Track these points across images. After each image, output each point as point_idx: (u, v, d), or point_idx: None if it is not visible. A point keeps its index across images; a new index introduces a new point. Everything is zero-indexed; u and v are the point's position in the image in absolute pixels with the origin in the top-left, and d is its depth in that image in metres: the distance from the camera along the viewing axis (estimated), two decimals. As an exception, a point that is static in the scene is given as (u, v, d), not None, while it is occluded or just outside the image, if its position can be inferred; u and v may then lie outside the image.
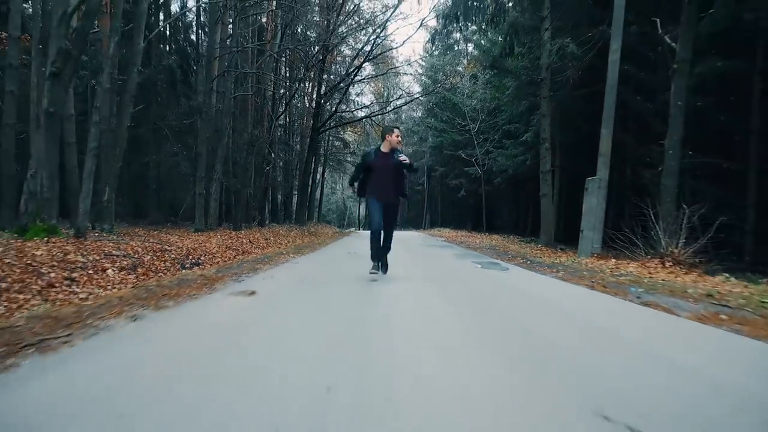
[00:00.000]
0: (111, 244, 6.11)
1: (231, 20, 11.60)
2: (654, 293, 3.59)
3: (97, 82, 7.62)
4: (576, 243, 7.28)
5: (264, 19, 14.62)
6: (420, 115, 32.50)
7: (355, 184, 4.35)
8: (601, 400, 1.36)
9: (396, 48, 18.73)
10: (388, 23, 18.42)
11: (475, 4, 12.23)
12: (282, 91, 16.85)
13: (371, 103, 22.66)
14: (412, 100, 21.38)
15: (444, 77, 22.72)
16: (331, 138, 25.42)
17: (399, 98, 23.65)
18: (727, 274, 5.01)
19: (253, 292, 3.17)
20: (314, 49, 14.48)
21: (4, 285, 3.66)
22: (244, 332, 2.16)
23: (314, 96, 18.16)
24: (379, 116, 19.81)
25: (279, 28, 13.68)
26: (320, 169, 27.95)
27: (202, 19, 15.02)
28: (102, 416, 1.20)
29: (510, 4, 11.24)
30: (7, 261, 4.15)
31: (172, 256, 6.61)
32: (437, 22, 19.77)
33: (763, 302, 2.97)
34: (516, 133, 17.50)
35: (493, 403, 1.33)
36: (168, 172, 14.48)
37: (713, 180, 8.88)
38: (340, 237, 15.45)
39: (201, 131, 10.93)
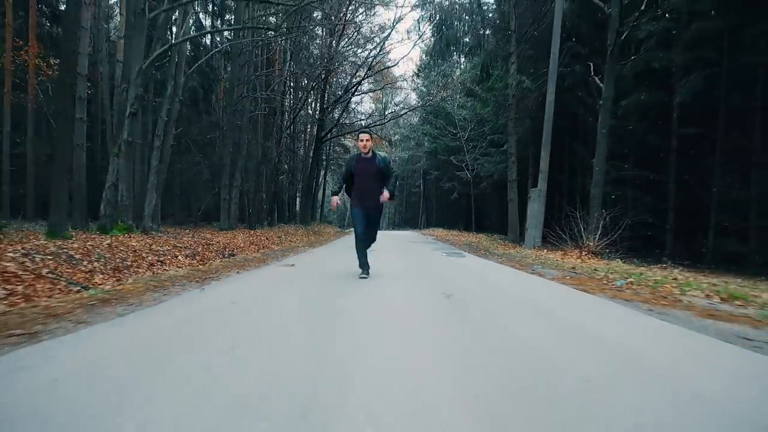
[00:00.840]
0: (172, 239, 8.14)
1: (248, 50, 13.61)
2: (545, 268, 5.62)
3: (159, 116, 9.60)
4: (553, 240, 9.28)
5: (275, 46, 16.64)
6: (416, 121, 34.55)
7: (340, 192, 4.29)
8: (459, 297, 3.39)
9: (393, 66, 20.65)
10: (387, 40, 20.41)
11: (457, 37, 14.22)
12: (288, 102, 18.87)
13: (371, 114, 24.63)
14: (406, 112, 23.34)
15: (437, 90, 24.71)
16: (332, 144, 27.42)
17: (396, 107, 25.70)
18: (619, 259, 7.04)
19: (292, 265, 5.21)
20: (318, 70, 16.50)
21: (127, 263, 5.67)
22: (295, 280, 4.18)
23: (318, 108, 20.17)
24: (378, 126, 21.84)
25: (289, 55, 15.73)
26: (322, 173, 29.90)
27: (218, 43, 17.02)
28: (209, 324, 3.22)
29: (489, 32, 13.25)
30: (122, 249, 6.18)
31: (214, 248, 8.63)
32: (422, 58, 21.72)
33: (596, 270, 5.01)
34: (499, 143, 19.54)
35: (413, 300, 3.35)
36: (191, 179, 16.51)
37: (647, 189, 10.92)
38: (341, 236, 17.48)
39: (224, 146, 12.97)
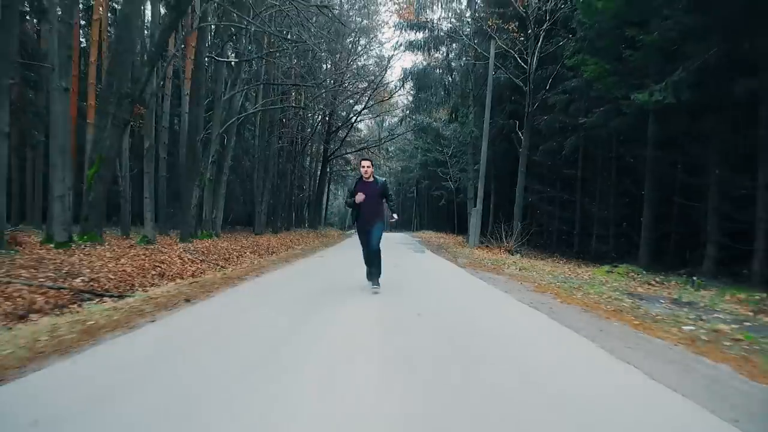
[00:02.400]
0: (236, 242, 12.36)
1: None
2: (466, 258, 9.86)
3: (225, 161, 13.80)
4: (489, 242, 13.53)
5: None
6: (410, 136, 38.81)
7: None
8: (405, 272, 7.63)
9: (387, 99, 24.93)
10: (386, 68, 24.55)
11: (432, 92, 18.64)
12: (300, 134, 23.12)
13: (369, 136, 28.86)
14: (398, 135, 27.55)
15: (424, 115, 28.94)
16: (336, 159, 31.67)
17: (393, 117, 29.89)
18: (520, 254, 11.29)
19: (321, 257, 9.47)
20: (325, 110, 20.78)
21: (228, 257, 9.88)
22: (327, 264, 8.43)
23: (324, 132, 24.41)
24: (375, 147, 26.11)
25: (302, 96, 20.00)
26: (327, 184, 34.13)
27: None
28: (283, 292, 7.47)
29: (455, 92, 17.57)
30: (218, 248, 10.39)
31: (260, 248, 12.85)
32: (402, 112, 26.03)
33: (494, 261, 9.26)
34: (474, 161, 23.82)
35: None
36: (228, 194, 20.73)
37: (564, 206, 15.18)
38: (345, 238, 21.73)
39: (256, 170, 17.21)
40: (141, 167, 11.53)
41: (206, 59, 10.88)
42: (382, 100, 23.71)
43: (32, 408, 1.69)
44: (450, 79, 17.85)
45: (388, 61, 23.17)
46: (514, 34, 12.72)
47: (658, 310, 4.25)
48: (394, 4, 19.04)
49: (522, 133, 13.20)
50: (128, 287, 5.45)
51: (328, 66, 19.53)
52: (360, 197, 4.50)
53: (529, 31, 12.40)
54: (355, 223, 5.05)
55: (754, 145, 7.11)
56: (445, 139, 28.87)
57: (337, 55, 19.39)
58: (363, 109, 23.12)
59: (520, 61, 13.07)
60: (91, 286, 5.12)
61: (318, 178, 25.51)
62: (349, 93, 21.65)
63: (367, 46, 22.89)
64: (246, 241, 13.35)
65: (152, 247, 8.85)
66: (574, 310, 4.14)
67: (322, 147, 25.10)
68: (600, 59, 8.49)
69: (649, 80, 7.14)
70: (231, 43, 12.58)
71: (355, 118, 23.23)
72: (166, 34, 7.68)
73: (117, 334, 2.86)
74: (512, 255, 11.36)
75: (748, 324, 3.65)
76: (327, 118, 21.74)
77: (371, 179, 4.69)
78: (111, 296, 4.89)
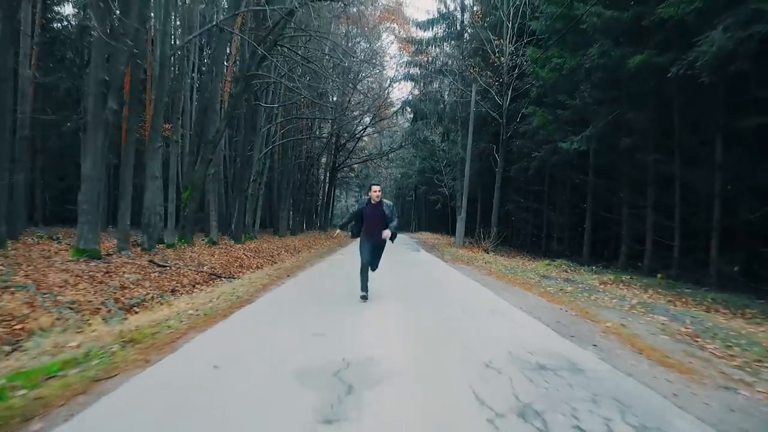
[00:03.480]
0: (271, 243, 15.57)
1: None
2: (451, 255, 13.08)
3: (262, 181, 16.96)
4: (473, 243, 16.74)
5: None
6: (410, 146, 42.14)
7: (349, 227, 5.41)
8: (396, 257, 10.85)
9: (388, 118, 28.18)
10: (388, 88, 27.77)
11: (427, 117, 21.93)
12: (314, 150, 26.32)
13: (372, 147, 32.09)
14: (397, 149, 30.74)
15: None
16: (343, 168, 34.90)
17: (395, 126, 33.15)
18: (493, 252, 14.51)
19: (343, 254, 12.69)
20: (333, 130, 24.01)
21: (272, 255, 13.04)
22: (347, 259, 11.63)
23: (333, 148, 27.59)
24: (378, 158, 29.34)
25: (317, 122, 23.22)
26: (335, 191, 37.30)
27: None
28: (332, 273, 10.70)
29: (446, 119, 20.84)
30: (262, 248, 13.57)
31: (290, 248, 16.05)
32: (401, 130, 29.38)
33: (470, 257, 12.48)
34: (462, 175, 27.02)
35: (387, 262, 10.83)
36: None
37: (535, 213, 18.41)
38: (345, 243, 24.97)
39: (282, 183, 20.41)
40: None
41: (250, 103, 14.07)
42: (383, 119, 26.91)
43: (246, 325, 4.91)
44: (442, 106, 21.09)
45: (390, 83, 26.39)
46: (491, 79, 15.93)
47: (550, 283, 7.45)
48: (396, 36, 22.22)
49: (498, 156, 16.41)
50: (230, 273, 8.66)
51: (335, 93, 22.73)
52: (338, 234, 5.98)
53: (502, 79, 15.63)
54: (350, 233, 5.48)
55: (645, 177, 10.34)
56: (439, 152, 32.22)
57: (345, 77, 22.61)
58: (367, 126, 26.30)
59: (497, 98, 16.28)
60: (213, 271, 8.35)
61: (326, 186, 28.74)
62: (355, 114, 24.88)
63: (371, 70, 26.11)
64: (277, 242, 16.55)
65: (217, 247, 12.03)
66: (499, 282, 7.37)
67: (330, 159, 28.34)
68: (544, 112, 11.71)
69: (571, 133, 10.36)
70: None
71: (360, 134, 26.42)
72: (237, 99, 10.89)
73: (260, 295, 6.04)
74: (487, 253, 14.57)
75: (585, 289, 6.86)
76: (335, 138, 24.95)
77: (378, 201, 5.08)
78: (227, 278, 8.10)
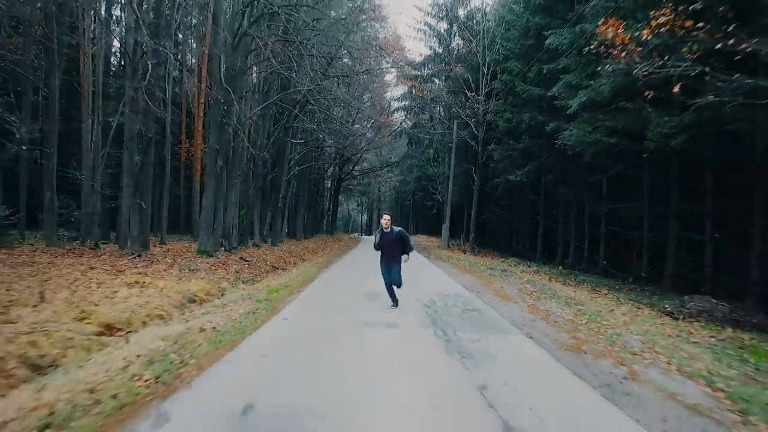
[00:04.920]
0: (294, 246, 20.15)
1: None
2: (435, 255, 17.66)
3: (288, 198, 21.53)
4: (458, 245, 21.27)
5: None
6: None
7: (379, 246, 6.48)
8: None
9: (389, 135, 32.74)
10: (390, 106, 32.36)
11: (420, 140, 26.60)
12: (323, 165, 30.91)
13: (373, 162, 36.68)
14: (389, 166, 35.33)
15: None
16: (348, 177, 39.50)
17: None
18: (472, 251, 19.10)
19: (354, 255, 17.27)
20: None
21: (301, 254, 17.56)
22: (359, 256, 16.20)
23: (339, 162, 32.15)
24: (380, 170, 33.91)
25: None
26: (340, 198, 41.80)
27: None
28: (353, 266, 15.28)
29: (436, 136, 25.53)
30: (290, 249, 18.11)
31: (310, 250, 20.61)
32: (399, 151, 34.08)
33: (449, 257, 17.07)
34: (456, 181, 31.63)
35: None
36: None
37: (508, 220, 23.03)
38: (359, 242, 29.54)
39: (299, 195, 25.00)
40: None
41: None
42: (384, 137, 31.54)
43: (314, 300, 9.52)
44: (432, 132, 25.75)
45: (389, 107, 31.02)
46: (469, 115, 20.55)
47: (489, 272, 12.02)
48: (397, 69, 26.80)
49: (475, 176, 21.02)
50: (283, 266, 13.24)
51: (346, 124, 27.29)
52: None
53: (477, 117, 20.25)
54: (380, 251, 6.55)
55: (568, 202, 14.93)
56: (431, 168, 36.92)
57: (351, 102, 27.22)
58: (370, 143, 30.90)
59: (474, 131, 20.87)
60: (273, 265, 12.93)
61: (332, 194, 33.35)
62: (359, 134, 29.47)
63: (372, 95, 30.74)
64: (299, 245, 21.11)
65: (261, 249, 16.58)
66: (457, 271, 11.96)
67: (336, 171, 32.96)
68: (502, 150, 16.31)
69: (517, 167, 14.97)
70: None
71: (364, 147, 31.04)
72: (280, 143, 15.46)
73: (317, 276, 10.62)
74: (465, 254, 19.15)
75: (508, 274, 11.44)
76: (340, 157, 29.59)
77: (389, 229, 6.25)
78: (282, 269, 12.68)
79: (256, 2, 10.71)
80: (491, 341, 4.52)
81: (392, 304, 6.46)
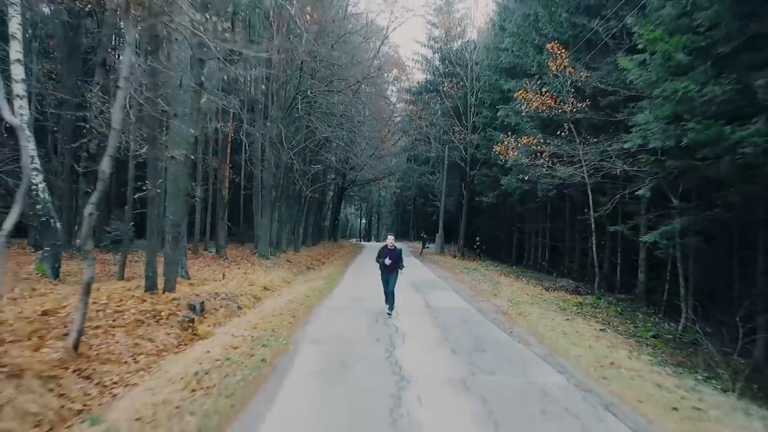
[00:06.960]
0: (311, 250, 26.97)
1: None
2: (428, 259, 24.51)
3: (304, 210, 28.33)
4: (447, 251, 28.05)
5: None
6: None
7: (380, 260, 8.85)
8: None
9: (393, 144, 39.61)
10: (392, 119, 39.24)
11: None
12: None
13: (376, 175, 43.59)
14: (386, 177, 42.22)
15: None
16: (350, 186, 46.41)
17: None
18: (461, 256, 25.96)
19: (362, 257, 24.15)
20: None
21: (318, 258, 24.30)
22: (368, 261, 23.03)
23: (342, 174, 38.96)
24: (381, 179, 40.80)
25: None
26: (343, 206, 48.69)
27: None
28: (364, 265, 22.17)
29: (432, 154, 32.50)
30: (308, 254, 24.88)
31: (322, 255, 27.40)
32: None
33: (439, 260, 23.93)
34: (451, 193, 38.56)
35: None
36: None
37: (497, 231, 29.92)
38: (359, 248, 36.39)
39: (308, 210, 31.85)
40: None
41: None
42: (386, 149, 38.46)
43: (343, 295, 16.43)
44: (430, 146, 32.69)
45: (391, 123, 37.96)
46: (459, 137, 27.43)
47: (465, 270, 18.87)
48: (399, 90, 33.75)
49: (465, 191, 27.90)
50: (312, 266, 20.11)
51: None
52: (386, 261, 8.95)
53: (465, 141, 27.17)
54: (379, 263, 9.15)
55: (523, 219, 21.84)
56: (429, 180, 43.85)
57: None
58: (372, 154, 37.83)
59: (463, 152, 27.72)
60: (307, 265, 19.86)
61: (335, 203, 40.32)
62: (362, 148, 36.42)
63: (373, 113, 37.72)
64: (313, 251, 27.97)
65: (288, 254, 23.41)
66: (440, 269, 18.88)
67: (339, 182, 39.86)
68: (479, 174, 23.19)
69: (490, 190, 21.85)
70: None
71: (366, 164, 37.96)
72: (301, 171, 22.32)
73: (346, 271, 17.45)
74: (454, 258, 25.99)
75: (475, 271, 18.28)
76: (344, 172, 36.53)
77: (392, 247, 8.88)
78: (314, 268, 19.57)
79: (301, 95, 17.75)
80: (438, 292, 11.46)
81: (388, 312, 8.87)
